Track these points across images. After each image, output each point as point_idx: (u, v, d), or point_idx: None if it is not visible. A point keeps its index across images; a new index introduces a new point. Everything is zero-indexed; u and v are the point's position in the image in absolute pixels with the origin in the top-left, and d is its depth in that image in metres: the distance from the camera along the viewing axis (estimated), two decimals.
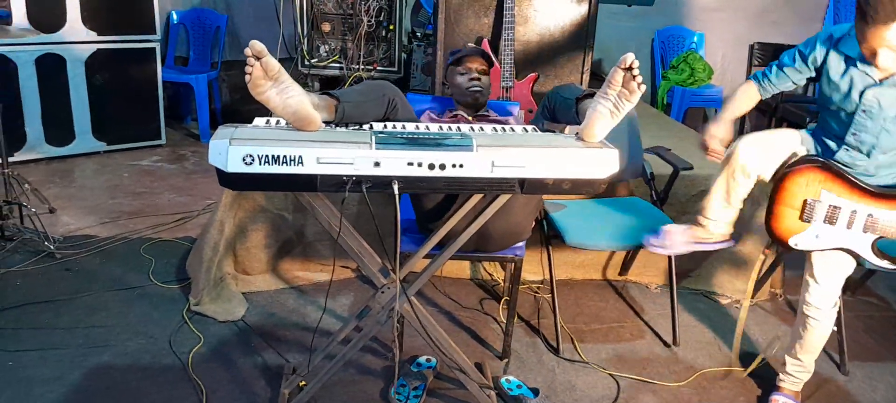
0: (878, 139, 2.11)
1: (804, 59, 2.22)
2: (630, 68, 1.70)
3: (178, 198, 3.95)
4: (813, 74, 2.23)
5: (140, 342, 2.55)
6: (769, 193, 2.45)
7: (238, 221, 2.98)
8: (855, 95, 2.09)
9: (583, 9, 3.50)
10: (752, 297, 3.18)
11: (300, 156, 1.63)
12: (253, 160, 1.63)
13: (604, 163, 1.70)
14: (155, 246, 3.31)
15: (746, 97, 2.39)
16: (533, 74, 3.44)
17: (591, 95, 1.95)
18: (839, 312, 2.67)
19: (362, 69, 4.21)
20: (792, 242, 2.22)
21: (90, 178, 4.23)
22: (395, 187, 1.67)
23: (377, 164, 1.65)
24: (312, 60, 4.21)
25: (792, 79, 2.29)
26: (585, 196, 3.00)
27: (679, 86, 5.46)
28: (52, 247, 3.11)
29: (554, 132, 2.01)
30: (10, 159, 4.10)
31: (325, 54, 4.23)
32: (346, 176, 1.65)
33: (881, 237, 2.14)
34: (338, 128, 1.89)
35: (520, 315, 2.93)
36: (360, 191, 1.66)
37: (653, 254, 2.88)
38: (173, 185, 4.16)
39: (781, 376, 2.45)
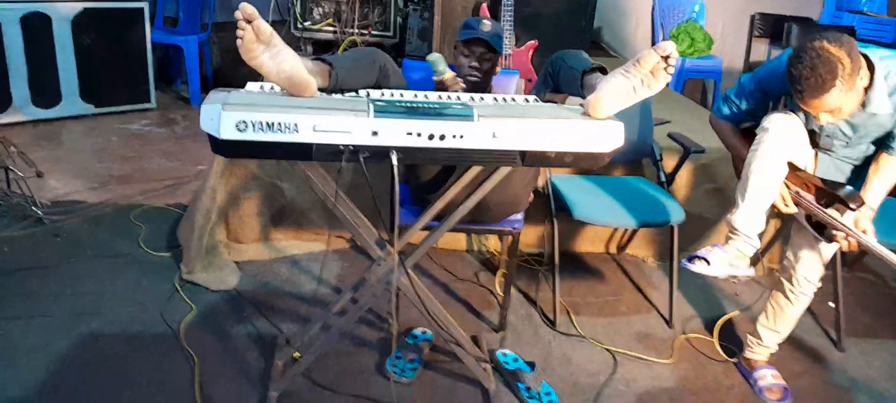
0: (849, 150, 2.20)
1: (760, 89, 2.24)
2: (667, 57, 1.62)
3: (168, 163, 3.88)
4: (774, 101, 2.25)
5: (130, 310, 2.50)
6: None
7: (230, 189, 2.92)
8: (817, 122, 2.11)
9: None
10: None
11: (296, 124, 1.57)
12: (246, 126, 1.57)
13: (608, 137, 1.65)
14: (145, 212, 3.25)
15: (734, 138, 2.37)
16: (533, 42, 3.36)
17: (601, 70, 1.88)
18: (836, 288, 2.67)
19: (357, 33, 4.11)
20: None
21: (78, 141, 4.15)
22: (394, 158, 1.62)
23: (375, 134, 1.60)
24: (305, 23, 4.11)
25: (752, 104, 2.28)
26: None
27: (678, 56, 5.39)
28: (39, 213, 3.04)
29: (555, 103, 1.95)
30: None
31: (319, 17, 4.13)
32: (343, 145, 1.60)
33: (805, 211, 2.17)
34: (333, 95, 1.83)
35: (516, 287, 2.90)
36: (357, 161, 1.61)
37: (651, 229, 2.85)
38: (163, 150, 4.08)
39: (754, 347, 2.44)
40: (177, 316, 2.49)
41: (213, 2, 5.12)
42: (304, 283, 2.80)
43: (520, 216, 2.43)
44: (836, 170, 2.24)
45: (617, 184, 2.83)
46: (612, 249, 3.29)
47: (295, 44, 4.34)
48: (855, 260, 3.27)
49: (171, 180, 3.62)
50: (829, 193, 2.07)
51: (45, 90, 4.28)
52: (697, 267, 2.13)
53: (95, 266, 2.78)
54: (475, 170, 1.91)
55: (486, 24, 2.39)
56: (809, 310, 2.83)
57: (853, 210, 2.03)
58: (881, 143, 2.13)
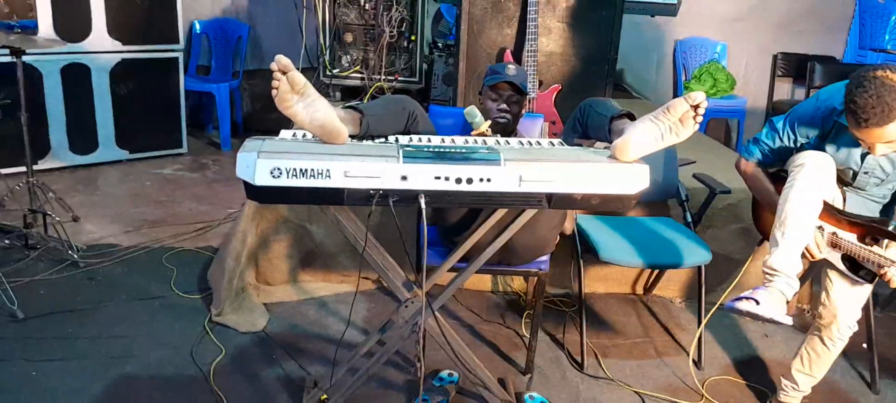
0: (880, 189, 2.19)
1: (794, 130, 2.22)
2: (697, 107, 1.65)
3: (200, 206, 3.97)
4: (808, 142, 2.22)
5: (162, 353, 2.55)
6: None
7: (260, 232, 2.99)
8: (856, 158, 2.12)
9: (606, 19, 3.47)
10: None
11: (328, 170, 1.62)
12: (281, 173, 1.62)
13: (634, 179, 1.67)
14: (177, 255, 3.32)
15: (765, 181, 2.34)
16: (556, 86, 3.41)
17: (629, 116, 1.92)
18: (870, 329, 2.63)
19: (384, 79, 4.21)
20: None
21: (113, 187, 4.26)
22: (422, 201, 1.66)
23: (404, 178, 1.64)
24: (334, 70, 4.21)
25: (786, 146, 2.26)
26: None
27: None
28: (75, 256, 3.13)
29: (582, 147, 1.99)
30: (35, 167, 4.16)
31: (347, 65, 4.23)
32: (373, 189, 1.64)
33: (846, 252, 2.13)
34: (364, 142, 1.89)
35: (543, 328, 2.90)
36: (387, 205, 1.65)
37: (678, 270, 2.83)
38: (195, 194, 4.18)
39: (789, 391, 2.42)
40: (207, 358, 2.52)
41: (244, 50, 5.28)
42: (332, 325, 2.83)
43: (546, 258, 2.44)
44: (865, 209, 2.23)
45: (643, 226, 2.83)
46: (639, 290, 3.28)
47: (324, 90, 4.45)
48: (888, 301, 3.21)
49: (201, 224, 3.70)
50: (875, 229, 2.06)
51: (82, 137, 4.43)
52: (746, 305, 2.02)
53: (129, 309, 2.84)
54: (502, 212, 1.94)
55: (512, 69, 2.46)
56: (843, 352, 2.78)
57: None
58: None
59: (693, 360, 2.72)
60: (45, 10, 4.06)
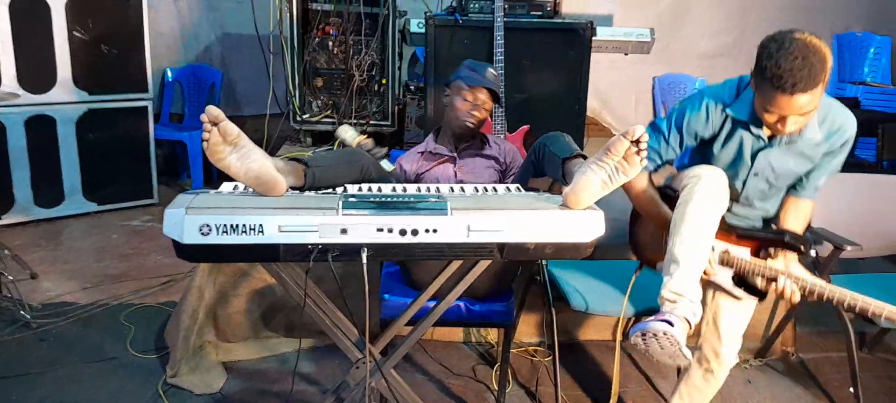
0: (765, 195, 2.09)
1: (681, 131, 2.06)
2: (637, 142, 1.57)
3: (165, 259, 3.83)
4: (694, 145, 2.09)
5: None
6: (633, 211, 2.31)
7: (219, 287, 2.86)
8: (746, 158, 2.02)
9: (575, 59, 3.42)
10: (763, 356, 3.01)
11: (261, 225, 1.52)
12: (210, 230, 1.52)
13: (588, 227, 1.58)
14: (136, 312, 3.18)
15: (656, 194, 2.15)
16: (524, 127, 3.34)
17: (582, 157, 1.83)
18: (855, 373, 2.51)
19: (355, 123, 4.13)
20: (659, 266, 2.07)
21: (77, 240, 4.13)
22: (364, 256, 1.55)
23: (344, 231, 1.54)
24: (304, 116, 4.14)
25: (673, 150, 2.10)
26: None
27: None
28: (28, 317, 2.98)
29: (538, 190, 1.90)
30: None
31: (317, 109, 4.16)
32: (311, 244, 1.54)
33: (737, 271, 2.01)
34: (307, 193, 1.78)
35: (517, 380, 2.76)
36: (326, 260, 1.55)
37: None
38: (162, 246, 4.05)
39: None
40: None
41: (217, 97, 5.22)
42: (293, 382, 2.68)
43: (511, 309, 2.33)
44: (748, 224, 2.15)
45: (618, 269, 2.72)
46: (619, 336, 3.14)
47: (294, 136, 4.38)
48: (875, 341, 3.09)
49: (166, 277, 3.57)
50: (770, 241, 1.97)
51: (48, 190, 4.30)
52: (660, 326, 1.81)
53: (80, 372, 2.69)
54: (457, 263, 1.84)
55: (491, 73, 2.43)
56: (828, 396, 2.68)
57: (803, 253, 1.94)
58: (791, 189, 2.09)
59: None
60: (9, 62, 3.99)
